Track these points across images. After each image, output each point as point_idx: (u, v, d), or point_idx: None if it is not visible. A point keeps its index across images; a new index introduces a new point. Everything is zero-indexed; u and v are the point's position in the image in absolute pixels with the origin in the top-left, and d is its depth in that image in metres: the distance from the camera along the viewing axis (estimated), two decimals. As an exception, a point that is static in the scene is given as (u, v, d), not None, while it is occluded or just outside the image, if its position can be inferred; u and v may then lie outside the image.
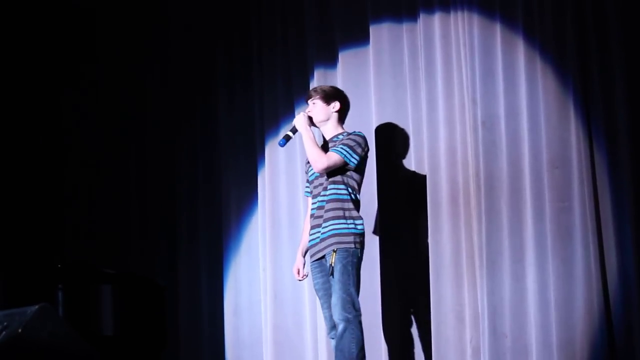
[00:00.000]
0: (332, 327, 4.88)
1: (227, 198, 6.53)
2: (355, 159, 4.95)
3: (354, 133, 5.04)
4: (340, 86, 5.89)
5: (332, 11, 6.08)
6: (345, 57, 5.97)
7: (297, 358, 6.09)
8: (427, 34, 5.62)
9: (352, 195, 4.97)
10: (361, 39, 5.92)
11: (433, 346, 5.41)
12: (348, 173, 4.98)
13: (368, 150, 5.06)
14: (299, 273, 5.18)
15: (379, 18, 5.83)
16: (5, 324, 3.82)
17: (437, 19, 5.59)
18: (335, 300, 4.79)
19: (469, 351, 5.34)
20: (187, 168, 6.77)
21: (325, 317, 4.97)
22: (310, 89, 5.39)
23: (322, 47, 6.09)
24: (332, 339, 4.89)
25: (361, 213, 5.00)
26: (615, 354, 4.94)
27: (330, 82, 5.99)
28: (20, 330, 3.71)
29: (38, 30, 6.90)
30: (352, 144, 4.96)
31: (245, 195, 6.49)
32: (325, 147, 5.10)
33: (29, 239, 6.69)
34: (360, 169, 5.02)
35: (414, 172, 5.64)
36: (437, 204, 5.49)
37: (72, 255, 6.60)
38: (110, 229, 6.78)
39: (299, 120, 5.12)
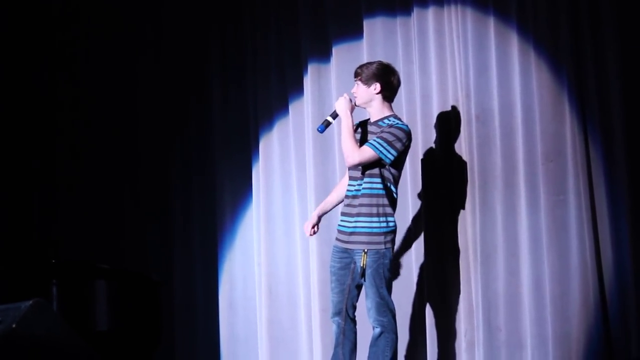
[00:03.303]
0: (337, 312, 4.81)
1: (221, 193, 6.52)
2: (392, 155, 4.66)
3: (397, 125, 4.73)
4: (334, 81, 5.90)
5: (326, 5, 6.06)
6: (339, 51, 5.95)
7: (291, 352, 6.10)
8: (421, 28, 5.61)
9: (388, 189, 4.73)
10: (355, 33, 5.90)
11: (428, 340, 5.42)
12: (385, 166, 4.72)
13: (409, 143, 4.78)
14: (309, 229, 4.97)
15: (372, 12, 5.82)
16: (-1, 319, 3.82)
17: (430, 13, 5.58)
18: (370, 304, 4.72)
19: (463, 345, 5.35)
20: (181, 163, 6.75)
21: (332, 301, 4.88)
22: (357, 66, 4.94)
23: (316, 41, 6.08)
24: (335, 324, 4.84)
25: None
26: (611, 347, 4.95)
27: (323, 77, 6.00)
28: (14, 326, 3.69)
29: (25, 30, 6.87)
30: (391, 138, 4.67)
31: (239, 190, 6.48)
32: (365, 130, 4.83)
33: (23, 234, 6.67)
34: (398, 163, 4.75)
35: (408, 166, 5.63)
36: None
37: (67, 250, 6.59)
38: (105, 224, 6.75)
39: (341, 103, 4.78)
